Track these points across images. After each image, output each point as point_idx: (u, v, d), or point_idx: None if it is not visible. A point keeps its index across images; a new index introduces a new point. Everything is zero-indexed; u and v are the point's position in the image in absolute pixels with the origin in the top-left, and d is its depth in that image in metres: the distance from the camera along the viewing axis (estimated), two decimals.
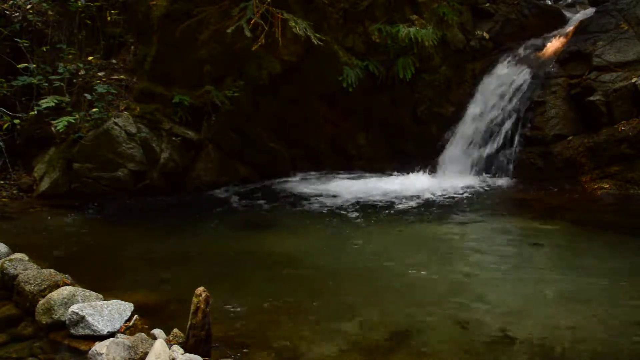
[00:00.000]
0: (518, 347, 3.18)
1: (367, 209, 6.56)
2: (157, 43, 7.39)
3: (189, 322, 2.99)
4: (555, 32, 8.59)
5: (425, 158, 8.27)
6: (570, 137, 7.51)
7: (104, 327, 3.17)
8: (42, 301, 3.42)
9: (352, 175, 8.27)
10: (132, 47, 7.89)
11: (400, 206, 6.65)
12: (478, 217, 6.19)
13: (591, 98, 7.30)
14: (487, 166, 7.94)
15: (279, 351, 3.14)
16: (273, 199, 7.17)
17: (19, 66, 6.80)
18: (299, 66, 7.91)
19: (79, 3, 7.20)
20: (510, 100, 8.02)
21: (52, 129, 6.65)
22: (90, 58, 7.30)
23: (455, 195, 7.13)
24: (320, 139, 8.57)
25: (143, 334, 3.06)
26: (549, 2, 9.76)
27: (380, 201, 6.87)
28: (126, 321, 3.30)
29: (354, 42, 8.26)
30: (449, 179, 7.86)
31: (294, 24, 6.63)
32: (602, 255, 4.82)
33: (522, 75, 8.10)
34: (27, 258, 4.16)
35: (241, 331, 3.38)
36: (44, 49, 7.07)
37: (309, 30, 6.84)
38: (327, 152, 8.64)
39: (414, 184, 7.63)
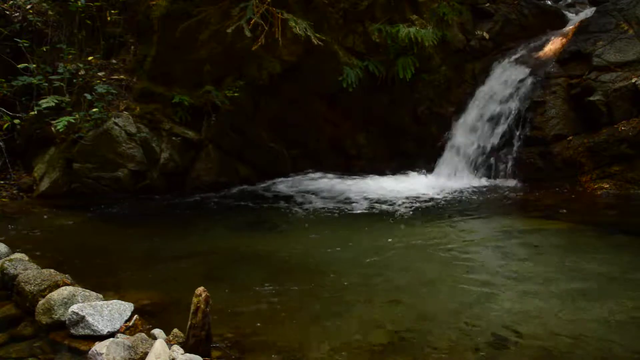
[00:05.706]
0: (518, 348, 3.18)
1: (367, 208, 6.56)
2: (157, 43, 7.40)
3: (189, 322, 2.99)
4: (555, 32, 8.59)
5: (425, 158, 8.29)
6: (570, 137, 7.51)
7: (104, 327, 3.16)
8: (42, 301, 3.41)
9: (352, 175, 8.27)
10: (132, 47, 7.90)
11: (399, 206, 6.65)
12: (477, 218, 6.19)
13: (591, 98, 7.30)
14: (487, 166, 7.94)
15: (279, 351, 3.14)
16: (273, 199, 7.17)
17: (19, 66, 6.81)
18: (299, 66, 7.91)
19: (79, 3, 7.20)
20: (510, 100, 8.02)
21: (52, 129, 6.65)
22: (90, 58, 7.31)
23: (454, 196, 7.14)
24: (320, 139, 8.57)
25: (143, 334, 3.06)
26: (549, 2, 9.75)
27: (380, 201, 6.88)
28: (126, 321, 3.29)
29: (354, 42, 8.27)
30: (449, 179, 7.88)
31: (294, 24, 6.63)
32: (602, 255, 4.81)
33: (522, 75, 8.10)
34: (27, 258, 4.15)
35: (241, 331, 3.38)
36: (44, 49, 7.08)
37: (309, 30, 6.84)
38: (327, 152, 8.65)
39: (413, 184, 7.64)
